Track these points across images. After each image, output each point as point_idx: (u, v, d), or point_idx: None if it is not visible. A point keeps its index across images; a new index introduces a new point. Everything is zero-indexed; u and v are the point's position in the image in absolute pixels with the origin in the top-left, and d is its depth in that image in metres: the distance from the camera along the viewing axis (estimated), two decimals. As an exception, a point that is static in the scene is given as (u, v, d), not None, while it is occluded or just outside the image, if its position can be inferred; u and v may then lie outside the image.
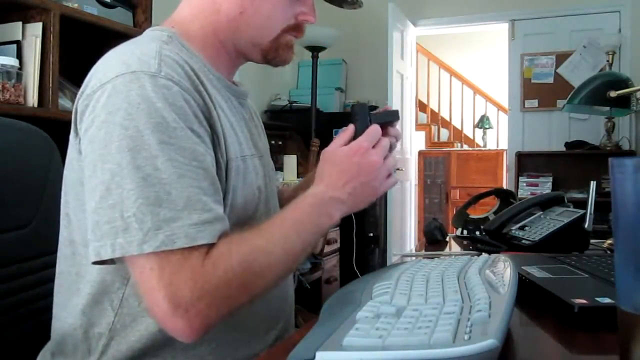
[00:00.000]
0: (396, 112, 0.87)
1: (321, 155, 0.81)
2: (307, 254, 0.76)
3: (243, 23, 0.82)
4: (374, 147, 0.79)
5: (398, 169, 4.06)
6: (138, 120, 0.66)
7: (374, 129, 0.80)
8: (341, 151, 0.79)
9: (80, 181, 0.75)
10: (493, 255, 0.81)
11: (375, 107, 0.77)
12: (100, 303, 0.75)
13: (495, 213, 1.47)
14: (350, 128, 0.82)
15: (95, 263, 0.68)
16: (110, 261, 0.67)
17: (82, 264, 0.76)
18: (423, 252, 1.44)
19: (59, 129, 0.78)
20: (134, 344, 0.74)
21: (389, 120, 0.85)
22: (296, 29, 0.85)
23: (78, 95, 0.75)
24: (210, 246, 0.66)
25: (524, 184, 4.09)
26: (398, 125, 0.86)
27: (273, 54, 0.85)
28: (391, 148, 0.83)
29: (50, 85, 1.73)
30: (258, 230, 0.71)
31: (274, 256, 0.70)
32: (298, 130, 3.65)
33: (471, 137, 7.00)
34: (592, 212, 1.16)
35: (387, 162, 0.80)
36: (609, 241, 1.27)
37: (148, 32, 0.81)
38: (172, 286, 0.63)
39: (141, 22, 2.15)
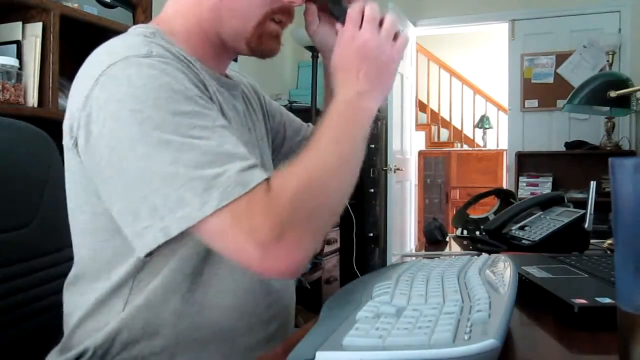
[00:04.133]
0: None
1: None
2: (364, 150, 0.76)
3: (224, 9, 0.81)
4: (361, 26, 0.79)
5: (398, 169, 4.07)
6: (148, 99, 0.66)
7: (354, 10, 0.80)
8: (337, 55, 0.79)
9: (79, 183, 0.75)
10: (493, 255, 0.81)
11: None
12: (115, 297, 0.76)
13: (495, 213, 1.47)
14: (339, 26, 0.81)
15: (147, 255, 0.67)
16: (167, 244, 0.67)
17: (96, 264, 0.77)
18: (423, 252, 1.44)
19: (59, 129, 0.78)
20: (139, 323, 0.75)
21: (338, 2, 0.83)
22: (282, 12, 0.83)
23: (71, 101, 0.74)
24: (265, 183, 0.66)
25: (524, 184, 4.09)
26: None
27: (257, 42, 0.83)
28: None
29: (50, 85, 1.73)
30: (303, 152, 0.71)
31: (328, 167, 0.70)
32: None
33: (471, 137, 7.00)
34: (592, 212, 1.16)
35: (385, 27, 0.80)
36: (609, 241, 1.27)
37: (131, 30, 0.81)
38: (254, 232, 0.63)
39: (141, 22, 2.14)
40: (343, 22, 0.81)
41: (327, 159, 0.70)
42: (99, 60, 0.72)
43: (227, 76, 0.90)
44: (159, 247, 0.67)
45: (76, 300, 0.79)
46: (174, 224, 0.64)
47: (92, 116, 0.69)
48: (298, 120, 1.09)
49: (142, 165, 0.66)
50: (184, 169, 0.64)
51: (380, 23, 0.80)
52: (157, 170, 0.65)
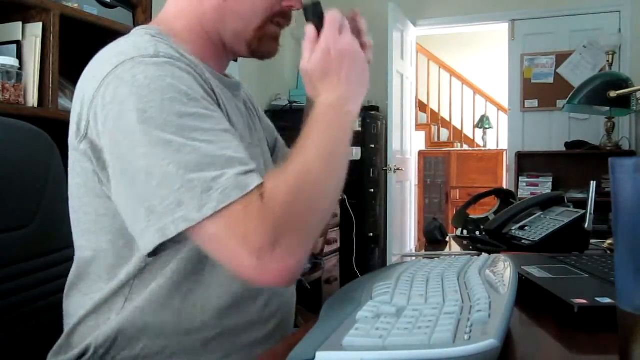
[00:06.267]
0: (318, 3, 0.83)
1: (302, 74, 0.80)
2: (349, 153, 0.76)
3: (228, 11, 0.82)
4: (341, 33, 0.79)
5: (398, 169, 4.07)
6: (153, 100, 0.67)
7: (332, 16, 0.79)
8: (315, 59, 0.78)
9: (84, 184, 0.75)
10: (493, 255, 0.81)
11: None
12: (116, 296, 0.76)
13: (495, 213, 1.47)
14: (310, 31, 0.80)
15: (150, 255, 0.67)
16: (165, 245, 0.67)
17: (100, 265, 0.77)
18: (423, 252, 1.44)
19: (59, 129, 0.78)
20: (138, 324, 0.75)
21: (316, 12, 0.82)
22: (281, 15, 0.84)
23: (79, 100, 0.74)
24: (261, 188, 0.66)
25: (524, 184, 4.09)
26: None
27: (257, 45, 0.84)
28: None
29: (50, 85, 1.73)
30: (291, 156, 0.71)
31: (317, 169, 0.70)
32: (298, 130, 3.64)
33: (471, 137, 7.00)
34: (592, 212, 1.16)
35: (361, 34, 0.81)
36: (609, 241, 1.27)
37: (134, 31, 0.81)
38: (248, 237, 0.63)
39: (141, 22, 2.15)
40: (318, 30, 0.80)
41: (315, 162, 0.70)
42: (107, 60, 0.72)
43: (227, 76, 0.90)
44: (163, 247, 0.67)
45: (78, 300, 0.79)
46: (172, 225, 0.64)
47: (98, 115, 0.70)
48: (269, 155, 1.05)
49: (141, 164, 0.66)
50: (183, 170, 0.64)
51: (353, 30, 0.81)
52: (155, 171, 0.65)
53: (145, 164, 0.65)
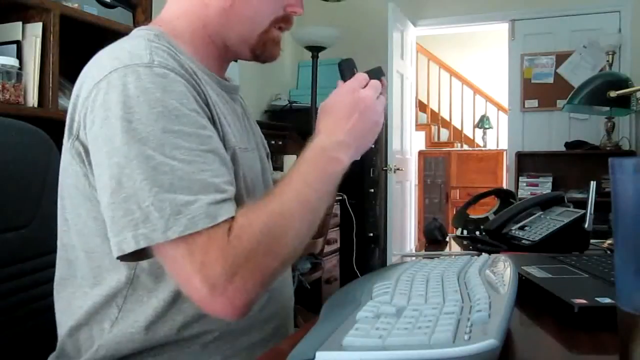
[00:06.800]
0: (379, 68, 0.86)
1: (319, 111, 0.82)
2: (328, 204, 0.76)
3: (233, 16, 0.82)
4: (364, 87, 0.80)
5: (398, 169, 4.07)
6: (139, 112, 0.66)
7: (361, 75, 0.81)
8: (331, 99, 0.80)
9: (75, 186, 0.75)
10: (493, 255, 0.81)
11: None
12: (108, 304, 0.75)
13: (495, 213, 1.47)
14: (340, 85, 0.82)
15: (121, 259, 0.67)
16: (134, 256, 0.67)
17: (88, 267, 0.76)
18: (423, 252, 1.44)
19: (59, 129, 0.78)
20: (135, 335, 0.74)
21: (375, 76, 0.84)
22: (284, 20, 0.85)
23: (73, 101, 0.75)
24: (230, 221, 0.66)
25: (524, 184, 4.09)
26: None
27: (261, 49, 0.85)
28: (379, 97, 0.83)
29: (50, 85, 1.73)
30: (270, 194, 0.72)
31: (291, 214, 0.70)
32: (298, 130, 3.66)
33: (471, 137, 7.00)
34: (592, 212, 1.16)
35: (380, 98, 0.81)
36: (609, 241, 1.27)
37: (135, 32, 0.81)
38: (205, 268, 0.64)
39: (141, 22, 2.15)
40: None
41: (292, 207, 0.70)
42: (103, 64, 0.72)
43: (226, 80, 0.90)
44: (143, 255, 0.67)
45: (69, 302, 0.79)
46: (132, 240, 0.64)
47: (87, 118, 0.70)
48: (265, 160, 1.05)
49: (114, 173, 0.66)
50: (157, 187, 0.64)
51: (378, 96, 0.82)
52: (127, 183, 0.65)
53: (117, 174, 0.65)
